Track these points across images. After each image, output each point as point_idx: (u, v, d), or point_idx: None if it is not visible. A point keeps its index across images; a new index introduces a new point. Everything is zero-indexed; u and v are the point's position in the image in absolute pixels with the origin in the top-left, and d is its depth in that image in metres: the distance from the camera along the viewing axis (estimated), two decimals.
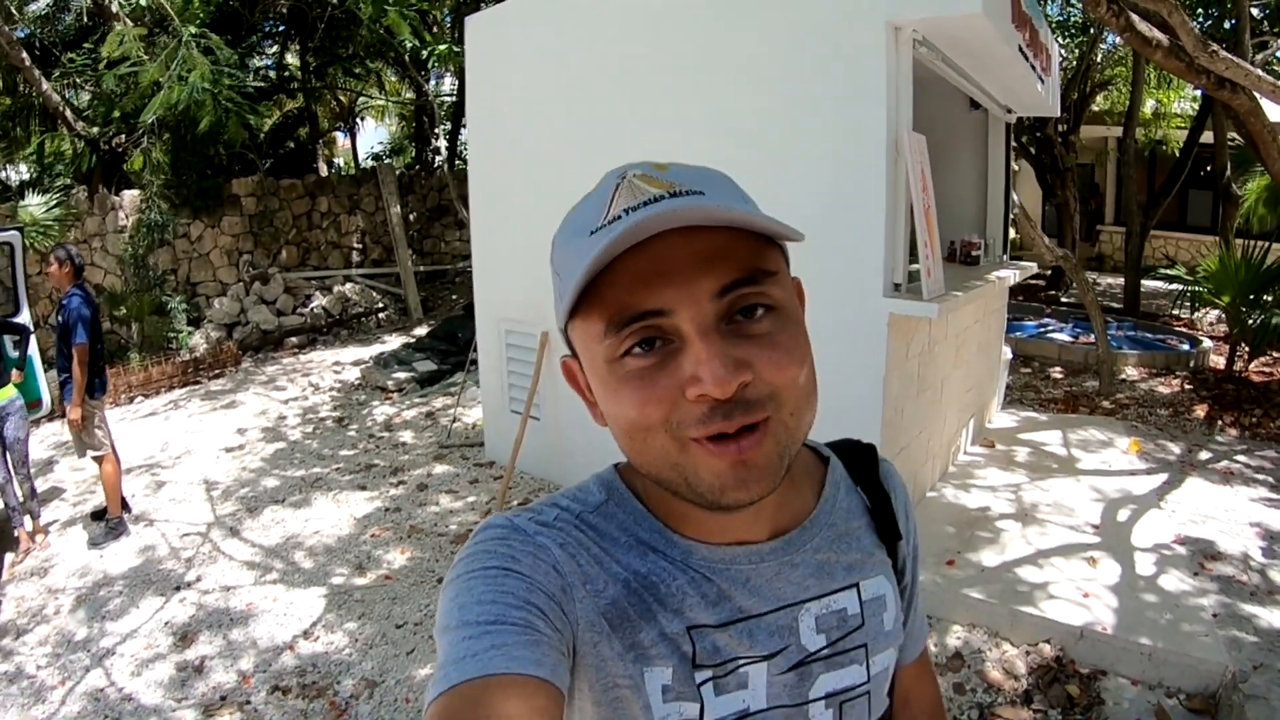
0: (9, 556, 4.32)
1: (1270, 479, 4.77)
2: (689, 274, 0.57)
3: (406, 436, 6.14)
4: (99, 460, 4.54)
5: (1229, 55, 4.10)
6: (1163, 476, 4.71)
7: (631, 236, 0.54)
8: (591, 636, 0.64)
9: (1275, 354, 7.38)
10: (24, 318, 5.66)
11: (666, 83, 3.94)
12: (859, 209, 3.28)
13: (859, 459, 0.82)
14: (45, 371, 5.86)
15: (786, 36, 3.46)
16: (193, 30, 8.00)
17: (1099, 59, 11.40)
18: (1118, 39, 10.67)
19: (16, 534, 4.39)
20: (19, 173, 11.56)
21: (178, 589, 3.94)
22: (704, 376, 0.56)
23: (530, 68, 4.62)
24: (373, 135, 22.72)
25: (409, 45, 8.95)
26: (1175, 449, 5.29)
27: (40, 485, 5.51)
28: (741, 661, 0.67)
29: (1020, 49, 3.79)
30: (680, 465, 0.59)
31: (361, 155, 19.01)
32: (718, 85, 3.73)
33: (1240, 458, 5.13)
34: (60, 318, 4.40)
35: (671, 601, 0.66)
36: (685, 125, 3.84)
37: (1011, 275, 4.72)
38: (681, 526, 0.69)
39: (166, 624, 3.63)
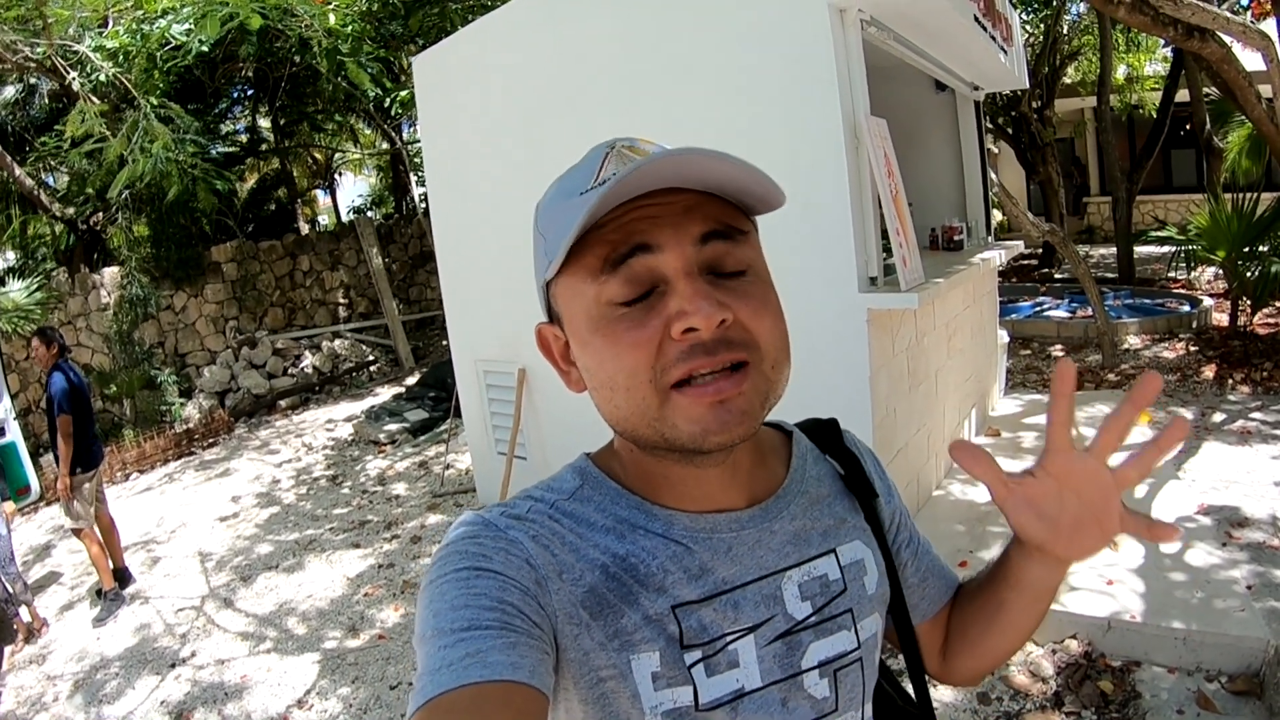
0: (8, 649, 4.24)
1: None
2: (675, 219, 0.61)
3: (400, 489, 6.01)
4: (77, 534, 4.58)
5: (1195, 1, 3.98)
6: (1178, 445, 4.51)
7: (633, 187, 0.58)
8: (572, 629, 0.63)
9: (1279, 304, 7.21)
10: (4, 405, 5.57)
11: (617, 98, 3.83)
12: (823, 203, 3.13)
13: (823, 432, 0.84)
14: (38, 456, 5.79)
15: (731, 33, 3.34)
16: (153, 101, 7.96)
17: (1065, 30, 11.32)
18: (1081, 7, 10.63)
19: (15, 625, 4.32)
20: (5, 259, 11.60)
21: (173, 666, 3.85)
22: (689, 309, 0.58)
23: (483, 101, 4.53)
24: (353, 189, 22.82)
25: (371, 95, 8.91)
26: (1188, 414, 5.11)
27: (38, 570, 5.50)
28: (730, 637, 0.66)
29: (976, 19, 3.68)
30: (659, 419, 0.61)
31: (343, 210, 19.04)
32: (668, 93, 3.62)
33: (1256, 415, 4.95)
34: (48, 393, 4.49)
35: (653, 581, 0.65)
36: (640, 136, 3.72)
37: (997, 256, 4.58)
38: (660, 497, 0.69)
39: (162, 703, 3.54)
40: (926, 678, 0.86)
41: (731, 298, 0.61)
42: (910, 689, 0.89)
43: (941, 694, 2.68)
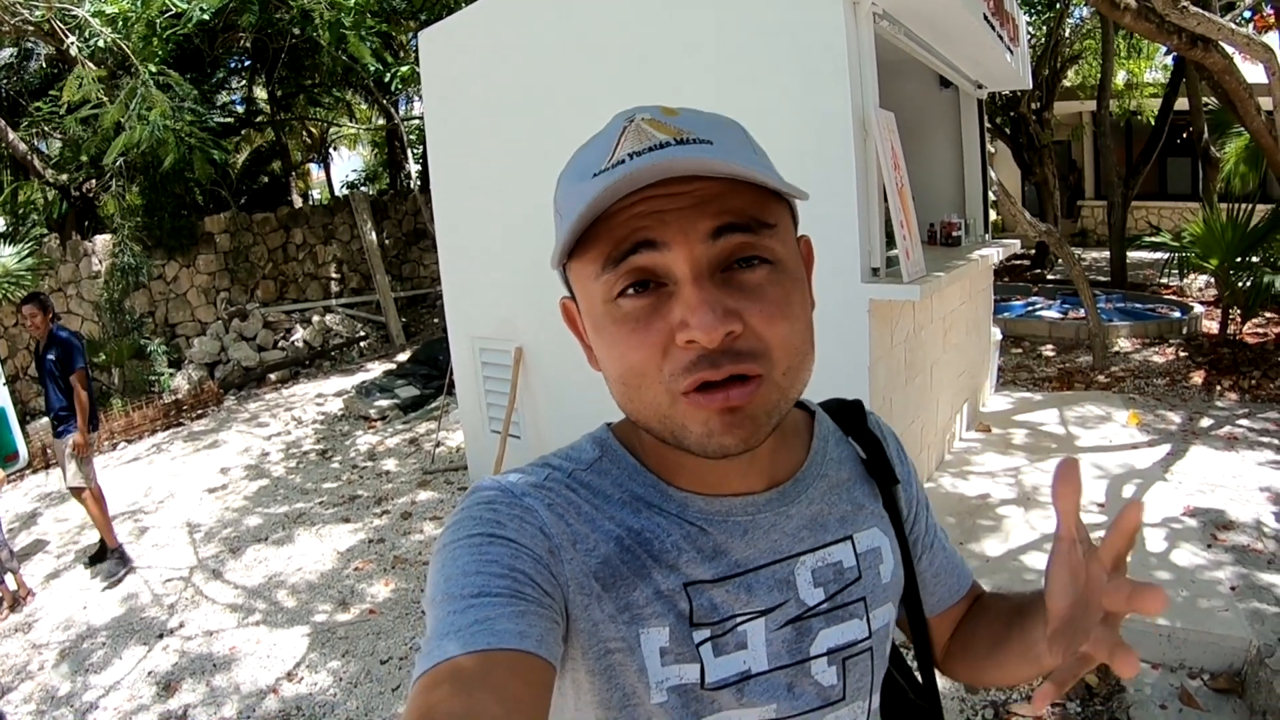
0: None
1: (1276, 441, 4.65)
2: (685, 214, 0.57)
3: (390, 465, 6.00)
4: (79, 493, 4.55)
5: (1200, 10, 4.00)
6: (1166, 448, 4.59)
7: (630, 183, 0.55)
8: (582, 599, 0.63)
9: (1269, 314, 7.29)
10: None
11: (627, 80, 3.81)
12: (830, 192, 3.14)
13: (847, 413, 0.82)
14: (25, 423, 5.75)
15: (745, 19, 3.34)
16: (152, 69, 7.86)
17: (1067, 33, 11.33)
18: (1084, 11, 10.65)
19: None
20: None
21: (160, 637, 3.84)
22: (692, 323, 0.56)
23: (487, 78, 4.50)
24: (347, 164, 22.63)
25: (372, 69, 8.83)
26: (1176, 418, 5.17)
27: (24, 538, 5.46)
28: (740, 618, 0.66)
29: (985, 17, 3.69)
30: (669, 418, 0.59)
31: (337, 185, 18.88)
32: (677, 76, 3.60)
33: (1243, 422, 5.02)
34: (52, 355, 4.46)
35: (667, 557, 0.65)
36: None
37: (994, 253, 4.61)
38: (677, 479, 0.68)
39: (150, 674, 3.53)
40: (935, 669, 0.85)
41: (745, 300, 0.58)
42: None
43: None
